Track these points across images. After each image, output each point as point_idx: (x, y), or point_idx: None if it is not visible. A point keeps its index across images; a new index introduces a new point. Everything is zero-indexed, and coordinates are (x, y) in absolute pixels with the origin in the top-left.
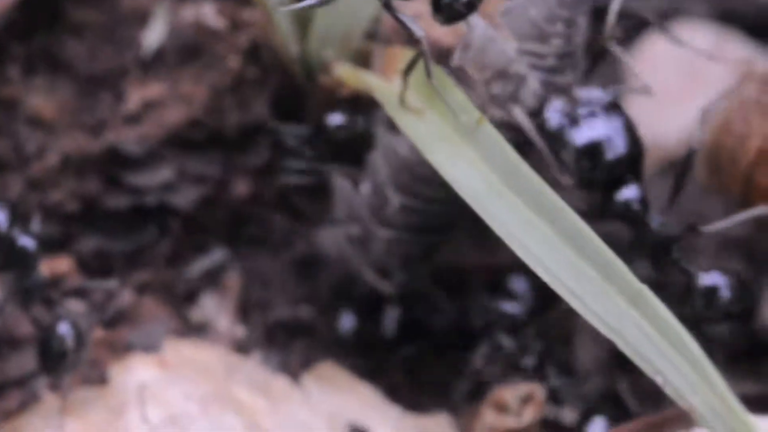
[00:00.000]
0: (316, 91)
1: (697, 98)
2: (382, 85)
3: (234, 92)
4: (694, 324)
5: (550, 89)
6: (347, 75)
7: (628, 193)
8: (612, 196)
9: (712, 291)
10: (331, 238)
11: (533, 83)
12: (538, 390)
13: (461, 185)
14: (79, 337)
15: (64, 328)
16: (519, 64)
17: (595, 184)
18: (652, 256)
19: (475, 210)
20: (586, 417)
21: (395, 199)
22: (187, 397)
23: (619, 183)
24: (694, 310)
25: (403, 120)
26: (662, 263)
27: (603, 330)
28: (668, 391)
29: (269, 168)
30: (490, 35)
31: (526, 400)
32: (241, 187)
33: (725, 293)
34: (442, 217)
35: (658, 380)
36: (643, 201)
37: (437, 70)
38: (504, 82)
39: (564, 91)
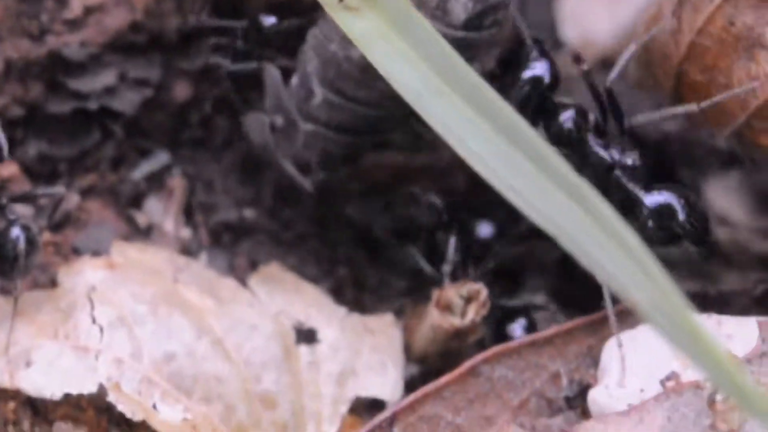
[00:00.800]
0: None
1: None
2: None
3: None
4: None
5: (479, 3)
6: None
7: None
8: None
9: (663, 211)
10: (256, 125)
11: None
12: (482, 290)
13: (400, 83)
14: (31, 241)
15: (15, 232)
16: None
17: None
18: (596, 178)
19: (414, 108)
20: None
21: (319, 93)
22: (136, 299)
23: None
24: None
25: (341, 18)
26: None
27: (545, 226)
28: (611, 286)
29: (209, 71)
30: None
31: (470, 299)
32: (182, 91)
33: (678, 212)
34: (366, 119)
35: (599, 274)
36: (578, 125)
37: None
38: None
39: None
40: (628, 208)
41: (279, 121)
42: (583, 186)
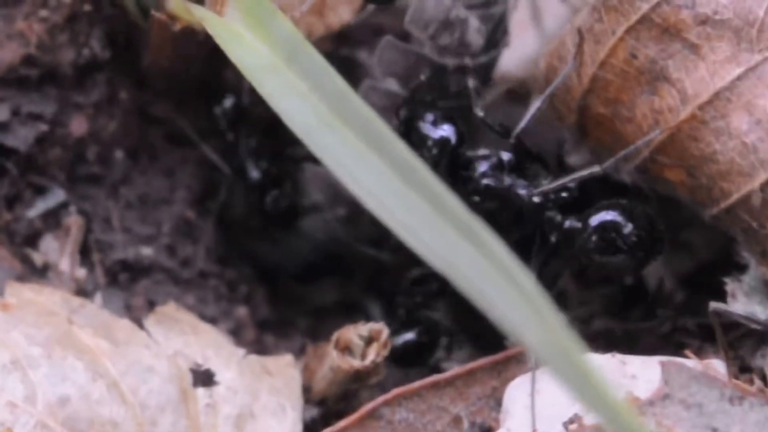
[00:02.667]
0: (150, 26)
1: (537, 28)
2: (212, 17)
3: (68, 28)
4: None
5: (489, 23)
6: (179, 8)
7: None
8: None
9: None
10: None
11: (474, 22)
12: (383, 329)
13: (292, 118)
14: None
15: None
16: (457, 8)
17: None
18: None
19: (305, 143)
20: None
21: None
22: (30, 341)
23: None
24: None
25: (233, 52)
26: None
27: (437, 263)
28: (502, 324)
29: (107, 104)
30: None
31: (371, 339)
32: (78, 125)
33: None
34: None
35: (490, 312)
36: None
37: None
38: (449, 31)
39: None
40: (567, 239)
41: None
42: (476, 224)
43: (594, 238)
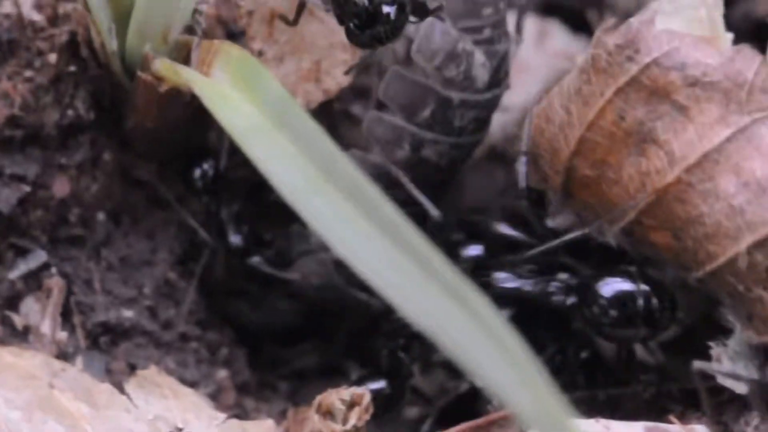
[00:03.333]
0: (136, 87)
1: (519, 88)
2: (199, 78)
3: (53, 89)
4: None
5: (494, 59)
6: (165, 70)
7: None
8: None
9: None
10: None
11: (480, 57)
12: (365, 394)
13: (280, 181)
14: None
15: None
16: (464, 41)
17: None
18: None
19: (293, 206)
20: None
21: None
22: (9, 404)
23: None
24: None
25: (221, 114)
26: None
27: (423, 326)
28: (490, 388)
29: (90, 166)
30: (431, 21)
31: (353, 404)
32: (61, 187)
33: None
34: None
35: (478, 377)
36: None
37: (253, 61)
38: (455, 63)
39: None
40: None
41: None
42: (465, 286)
43: (610, 311)
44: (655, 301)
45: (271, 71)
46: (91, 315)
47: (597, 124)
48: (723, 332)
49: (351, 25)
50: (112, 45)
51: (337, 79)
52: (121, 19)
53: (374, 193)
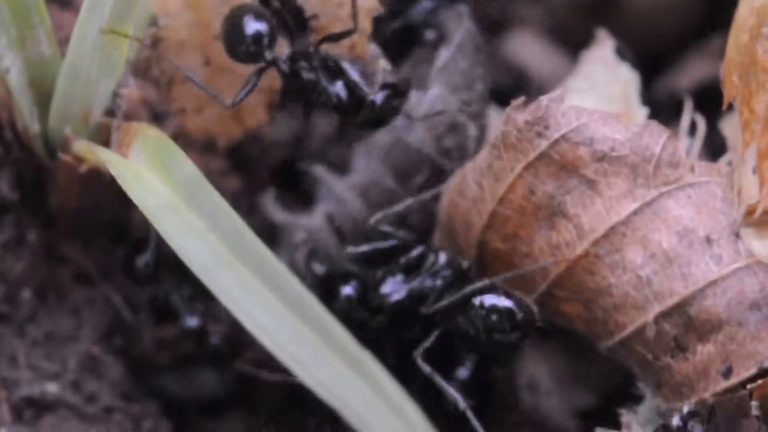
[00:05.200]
0: (57, 168)
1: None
2: (117, 159)
3: None
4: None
5: (483, 133)
6: (85, 151)
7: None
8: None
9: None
10: None
11: (473, 130)
12: None
13: (190, 256)
14: None
15: None
16: (461, 115)
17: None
18: None
19: (203, 282)
20: None
21: None
22: None
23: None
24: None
25: (134, 193)
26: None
27: (325, 396)
28: None
29: (15, 245)
30: (437, 94)
31: None
32: None
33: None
34: None
35: None
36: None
37: (168, 143)
38: (454, 135)
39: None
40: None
41: None
42: (366, 358)
43: (483, 317)
44: (518, 310)
45: (193, 120)
46: (15, 389)
47: (508, 199)
48: (634, 400)
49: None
50: (34, 127)
51: (258, 117)
52: (43, 102)
53: (280, 267)
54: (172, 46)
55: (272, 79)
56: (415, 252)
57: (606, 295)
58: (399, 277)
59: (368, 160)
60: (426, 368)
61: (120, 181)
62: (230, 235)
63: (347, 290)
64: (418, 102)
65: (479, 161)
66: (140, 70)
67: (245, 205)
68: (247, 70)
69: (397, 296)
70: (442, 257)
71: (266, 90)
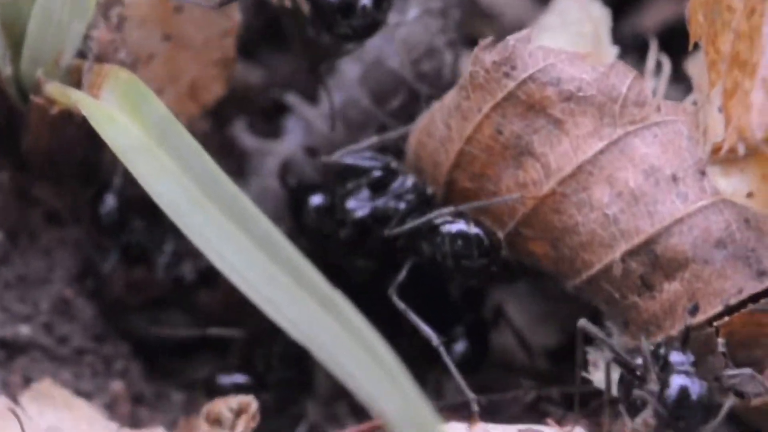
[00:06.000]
0: (29, 111)
1: None
2: (88, 100)
3: None
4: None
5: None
6: (56, 93)
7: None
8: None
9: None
10: None
11: (448, 57)
12: (252, 402)
13: (162, 197)
14: None
15: None
16: (439, 39)
17: None
18: None
19: (175, 222)
20: None
21: None
22: None
23: None
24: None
25: (106, 134)
26: None
27: (296, 335)
28: (361, 396)
29: None
30: (416, 16)
31: (240, 412)
32: None
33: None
34: None
35: (350, 384)
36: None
37: (140, 84)
38: (430, 60)
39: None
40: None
41: None
42: (337, 297)
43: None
44: (485, 238)
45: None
46: None
47: (475, 139)
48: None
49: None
50: (7, 70)
51: (214, 92)
52: (15, 46)
53: (251, 208)
54: (135, 23)
55: (228, 49)
56: (384, 172)
57: (573, 233)
58: (365, 195)
59: (345, 84)
60: (400, 305)
61: (92, 123)
62: (202, 176)
63: (316, 200)
64: (397, 24)
65: (447, 101)
66: (107, 53)
67: (216, 145)
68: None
69: (360, 213)
70: (409, 181)
71: (221, 63)
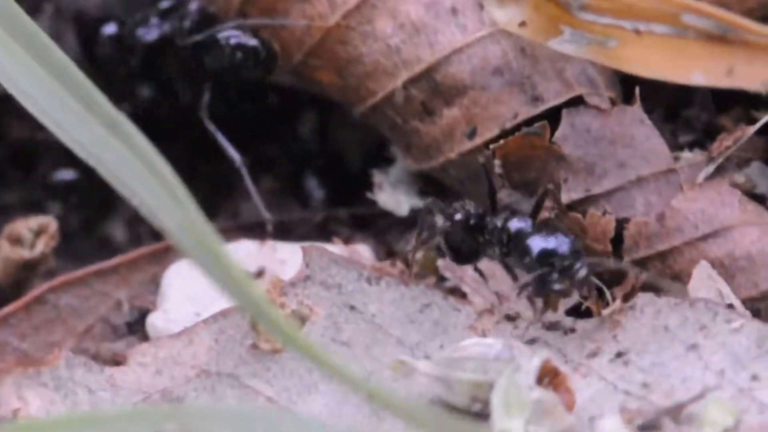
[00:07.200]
0: None
1: None
2: None
3: None
4: None
5: None
6: None
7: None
8: None
9: None
10: None
11: None
12: (51, 222)
13: None
14: None
15: None
16: None
17: None
18: None
19: None
20: None
21: None
22: None
23: None
24: None
25: None
26: None
27: (85, 156)
28: (144, 212)
29: None
30: None
31: (39, 232)
32: None
33: None
34: None
35: (135, 202)
36: None
37: None
38: None
39: None
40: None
41: None
42: (122, 120)
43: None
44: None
45: None
46: None
47: None
48: (386, 162)
49: None
50: None
51: None
52: None
53: (41, 35)
54: None
55: None
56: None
57: (358, 63)
58: (154, 21)
59: None
60: (210, 126)
61: None
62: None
63: (108, 29)
64: None
65: None
66: None
67: None
68: None
69: (148, 36)
70: (194, 4)
71: None
